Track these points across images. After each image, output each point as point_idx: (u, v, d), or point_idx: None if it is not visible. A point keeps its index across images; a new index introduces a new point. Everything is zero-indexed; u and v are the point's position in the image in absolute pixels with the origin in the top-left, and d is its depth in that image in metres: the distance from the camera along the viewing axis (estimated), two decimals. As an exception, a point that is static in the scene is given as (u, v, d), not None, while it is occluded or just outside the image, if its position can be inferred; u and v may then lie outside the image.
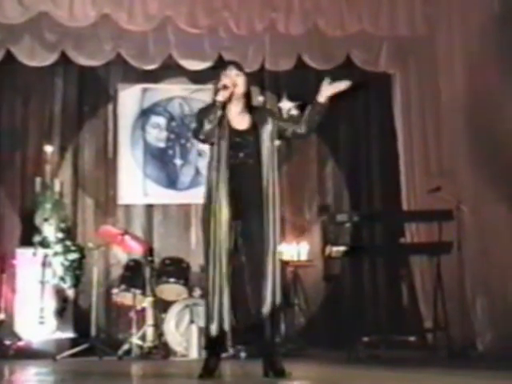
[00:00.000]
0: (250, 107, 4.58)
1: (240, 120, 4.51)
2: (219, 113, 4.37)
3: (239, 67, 4.59)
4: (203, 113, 4.46)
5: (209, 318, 4.35)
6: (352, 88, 4.48)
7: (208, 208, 4.40)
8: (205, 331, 4.48)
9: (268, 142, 4.49)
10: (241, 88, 4.50)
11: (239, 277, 4.35)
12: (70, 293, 7.57)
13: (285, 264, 7.69)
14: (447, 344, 6.40)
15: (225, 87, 4.39)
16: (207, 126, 4.36)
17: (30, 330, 7.17)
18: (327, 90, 4.49)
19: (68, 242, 7.67)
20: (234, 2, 7.45)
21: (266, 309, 4.31)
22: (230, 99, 4.44)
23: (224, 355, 4.65)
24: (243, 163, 4.43)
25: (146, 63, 7.94)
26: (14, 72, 8.17)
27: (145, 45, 7.75)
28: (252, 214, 4.39)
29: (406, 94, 8.16)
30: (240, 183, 4.39)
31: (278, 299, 4.36)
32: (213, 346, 4.40)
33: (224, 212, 4.35)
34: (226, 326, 4.32)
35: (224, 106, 4.41)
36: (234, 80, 4.48)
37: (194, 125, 4.56)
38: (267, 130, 4.51)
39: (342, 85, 4.52)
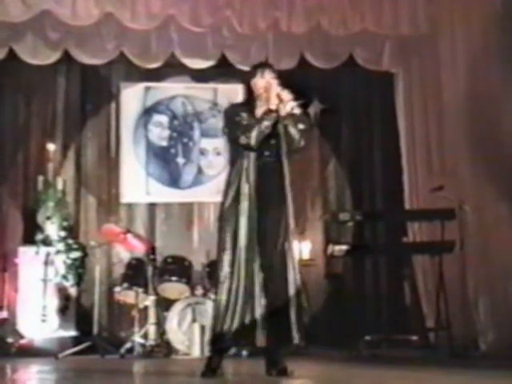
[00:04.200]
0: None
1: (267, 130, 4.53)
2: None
3: (274, 70, 4.65)
4: (237, 113, 4.51)
5: (223, 315, 4.34)
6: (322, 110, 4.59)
7: (234, 207, 4.42)
8: (213, 328, 4.46)
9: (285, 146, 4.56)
10: (274, 92, 4.51)
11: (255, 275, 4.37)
12: (73, 291, 7.58)
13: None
14: (449, 343, 6.41)
15: (270, 111, 4.45)
16: (262, 133, 4.41)
17: (33, 328, 7.18)
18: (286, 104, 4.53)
19: (70, 241, 7.67)
20: (236, 0, 7.46)
21: (277, 306, 4.33)
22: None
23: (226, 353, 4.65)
24: (267, 163, 4.48)
25: (148, 62, 7.94)
26: (16, 70, 8.17)
27: (148, 43, 7.75)
28: (271, 213, 4.43)
29: (409, 93, 8.15)
30: (263, 183, 4.43)
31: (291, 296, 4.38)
32: (220, 342, 4.40)
33: (251, 212, 4.39)
34: (253, 320, 4.31)
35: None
36: (270, 84, 4.53)
37: (232, 131, 4.55)
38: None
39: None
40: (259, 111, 4.50)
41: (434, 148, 7.82)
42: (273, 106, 4.47)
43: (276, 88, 4.51)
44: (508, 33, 6.70)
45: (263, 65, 4.80)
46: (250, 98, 4.62)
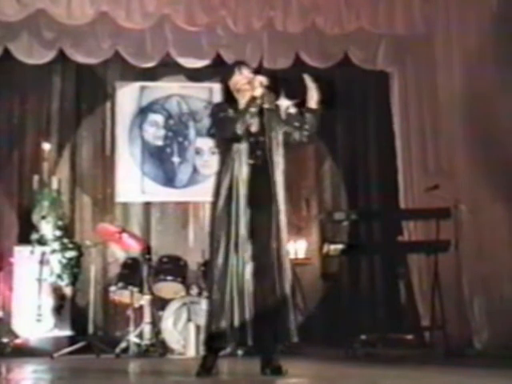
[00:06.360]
0: (261, 108, 4.60)
1: (253, 121, 4.54)
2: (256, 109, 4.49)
3: (250, 67, 4.72)
4: (223, 109, 4.52)
5: (218, 314, 4.34)
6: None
7: (226, 207, 4.41)
8: (207, 328, 4.46)
9: (276, 144, 4.57)
10: (258, 80, 4.55)
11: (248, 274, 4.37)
12: (68, 291, 7.56)
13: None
14: (444, 342, 6.40)
15: (254, 98, 4.48)
16: (246, 121, 4.43)
17: (28, 328, 7.17)
18: (315, 94, 4.60)
19: (65, 240, 7.66)
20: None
21: (271, 305, 4.33)
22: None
23: (221, 353, 4.65)
24: (256, 163, 4.47)
25: (143, 61, 7.93)
26: (11, 69, 8.16)
27: (143, 43, 7.74)
28: (262, 212, 4.42)
29: (404, 93, 8.15)
30: (255, 182, 4.43)
31: (286, 294, 4.38)
32: (214, 342, 4.40)
33: (244, 211, 4.39)
34: (247, 319, 4.31)
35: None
36: (252, 80, 4.55)
37: (216, 128, 4.58)
38: (276, 132, 4.57)
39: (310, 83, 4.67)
40: (242, 104, 4.52)
41: (429, 147, 7.82)
42: (257, 93, 4.49)
43: (259, 77, 4.55)
44: (503, 32, 6.70)
45: (239, 63, 4.83)
46: (231, 97, 4.62)
